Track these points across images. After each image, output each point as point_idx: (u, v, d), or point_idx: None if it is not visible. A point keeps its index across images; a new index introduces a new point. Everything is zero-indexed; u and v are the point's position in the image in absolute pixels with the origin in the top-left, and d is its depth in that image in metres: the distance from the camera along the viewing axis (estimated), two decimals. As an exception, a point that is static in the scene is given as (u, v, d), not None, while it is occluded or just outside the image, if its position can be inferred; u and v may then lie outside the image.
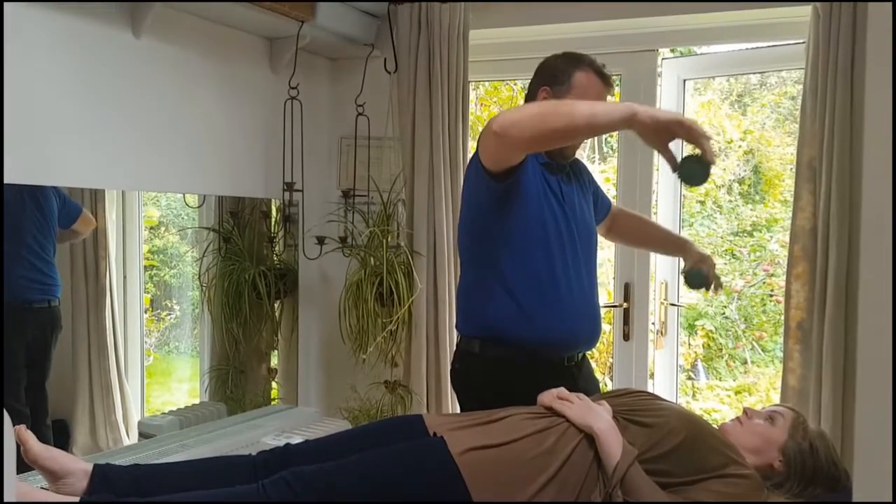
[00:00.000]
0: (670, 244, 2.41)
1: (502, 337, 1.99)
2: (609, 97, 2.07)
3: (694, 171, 1.71)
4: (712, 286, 2.21)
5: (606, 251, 4.26)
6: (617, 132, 2.91)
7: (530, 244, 1.97)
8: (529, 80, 2.11)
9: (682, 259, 2.31)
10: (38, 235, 2.27)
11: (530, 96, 2.09)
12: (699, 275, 2.20)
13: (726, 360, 4.80)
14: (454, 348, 2.22)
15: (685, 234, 3.91)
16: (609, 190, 3.33)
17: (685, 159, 1.72)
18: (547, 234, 1.97)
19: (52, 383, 2.33)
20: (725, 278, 4.77)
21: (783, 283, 2.51)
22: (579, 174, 2.17)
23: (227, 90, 2.68)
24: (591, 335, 2.08)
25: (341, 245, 2.88)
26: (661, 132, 1.66)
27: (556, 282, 1.97)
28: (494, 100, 4.62)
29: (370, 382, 2.85)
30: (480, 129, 4.39)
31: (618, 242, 2.68)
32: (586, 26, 2.76)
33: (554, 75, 2.03)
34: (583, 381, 2.04)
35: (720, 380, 4.74)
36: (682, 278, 2.26)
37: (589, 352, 2.16)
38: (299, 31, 2.67)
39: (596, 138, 4.83)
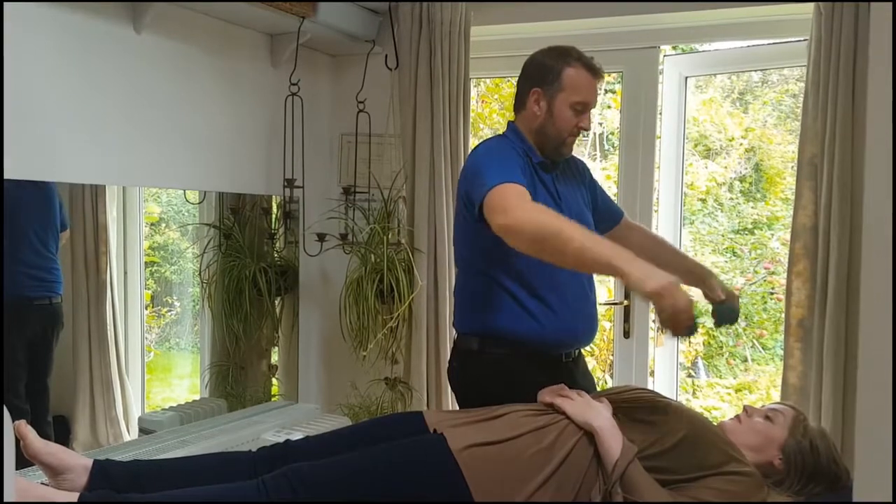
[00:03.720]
0: (692, 275, 2.14)
1: (500, 335, 1.98)
2: (599, 87, 2.02)
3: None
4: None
5: (607, 249, 4.25)
6: (618, 133, 2.91)
7: None
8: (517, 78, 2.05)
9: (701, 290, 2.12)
10: (41, 233, 2.27)
11: (520, 97, 2.04)
12: (731, 310, 2.04)
13: (727, 358, 4.79)
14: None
15: (686, 232, 3.90)
16: (610, 187, 3.31)
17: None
18: None
19: (52, 379, 2.34)
20: (726, 276, 4.77)
21: (784, 281, 2.51)
22: (577, 172, 2.14)
23: (227, 86, 2.67)
24: (589, 331, 2.07)
25: (342, 242, 2.88)
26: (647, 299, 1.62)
27: (552, 279, 1.96)
28: (496, 97, 4.61)
29: (370, 379, 2.85)
30: (482, 126, 4.41)
31: None
32: (588, 23, 2.75)
33: (543, 74, 1.98)
34: (580, 377, 2.03)
35: (720, 377, 4.74)
36: (711, 315, 2.06)
37: (587, 349, 2.15)
38: (300, 27, 2.67)
39: (597, 136, 4.83)
